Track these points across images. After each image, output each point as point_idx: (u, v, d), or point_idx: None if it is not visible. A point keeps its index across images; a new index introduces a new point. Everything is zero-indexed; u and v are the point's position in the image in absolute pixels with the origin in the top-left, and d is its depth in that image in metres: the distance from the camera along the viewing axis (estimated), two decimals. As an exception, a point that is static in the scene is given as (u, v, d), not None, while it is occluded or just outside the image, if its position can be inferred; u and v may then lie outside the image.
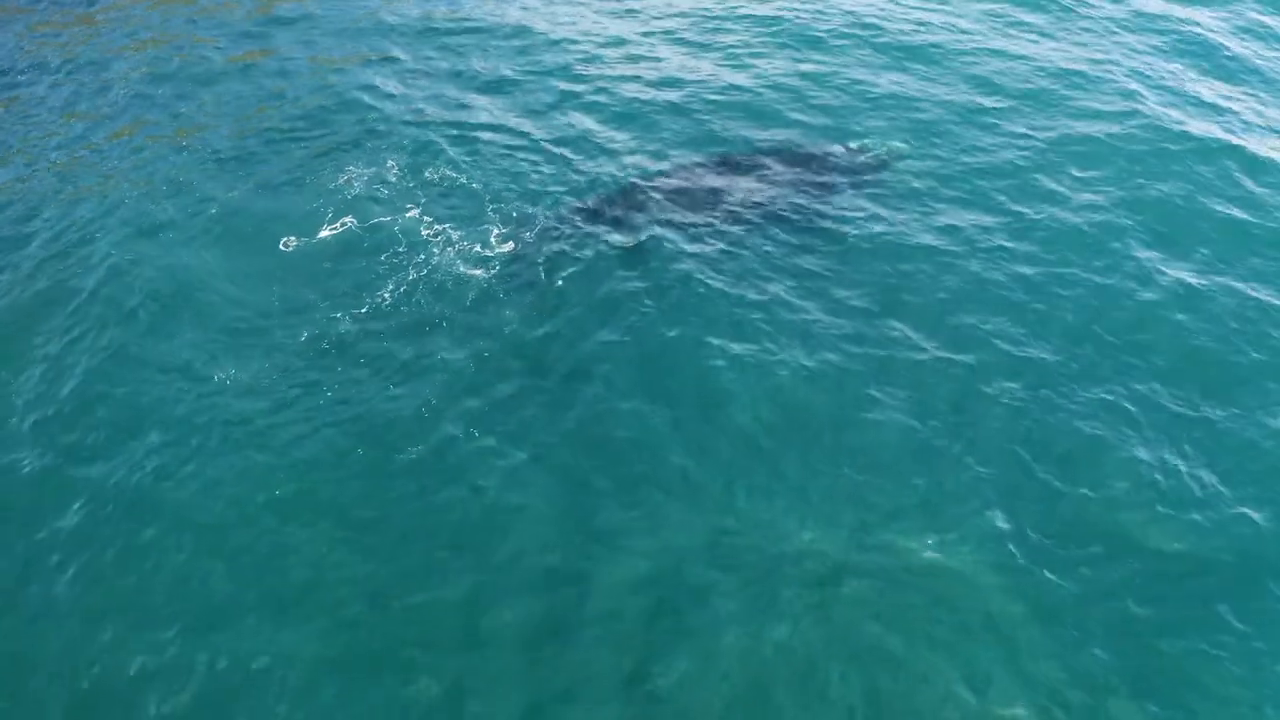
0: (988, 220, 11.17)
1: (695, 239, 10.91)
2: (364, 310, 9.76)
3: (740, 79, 13.87)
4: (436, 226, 10.74)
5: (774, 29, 15.21)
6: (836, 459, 8.35)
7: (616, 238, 10.84)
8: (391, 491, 8.05)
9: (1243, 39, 14.87)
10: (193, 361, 9.28)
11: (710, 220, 11.14)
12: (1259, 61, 14.26)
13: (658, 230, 10.95)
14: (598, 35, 14.68)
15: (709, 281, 10.12)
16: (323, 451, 8.40)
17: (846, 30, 15.02)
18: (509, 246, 10.55)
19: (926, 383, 9.10)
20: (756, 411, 8.70)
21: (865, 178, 11.89)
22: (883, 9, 15.73)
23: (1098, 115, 13.09)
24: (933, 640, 7.01)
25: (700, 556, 7.55)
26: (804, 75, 14.11)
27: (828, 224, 11.13)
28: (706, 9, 15.79)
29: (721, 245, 10.84)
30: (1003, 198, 11.51)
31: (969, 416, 8.78)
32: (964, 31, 15.24)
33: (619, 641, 7.00)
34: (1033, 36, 15.12)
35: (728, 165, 12.00)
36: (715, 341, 9.32)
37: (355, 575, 7.44)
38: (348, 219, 10.81)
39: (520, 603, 7.24)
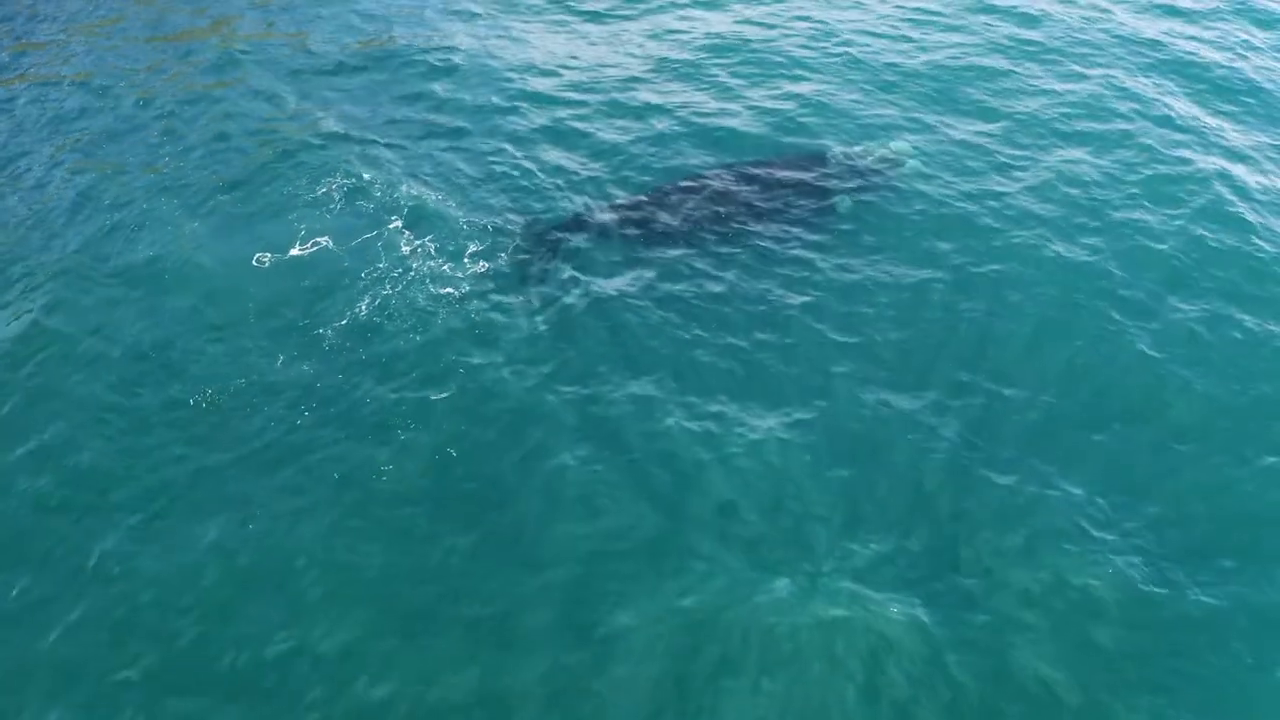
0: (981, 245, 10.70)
1: (679, 261, 10.47)
2: (333, 332, 9.31)
3: (722, 98, 13.32)
4: (411, 245, 10.23)
5: (756, 48, 14.68)
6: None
7: (595, 260, 10.45)
8: (360, 531, 7.66)
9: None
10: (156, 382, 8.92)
11: (698, 238, 10.71)
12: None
13: (637, 253, 10.55)
14: (577, 60, 14.06)
15: (689, 308, 9.77)
16: (296, 479, 8.03)
17: (836, 49, 14.50)
18: (482, 266, 10.07)
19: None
20: (730, 481, 8.17)
21: (868, 182, 11.50)
22: (873, 28, 15.28)
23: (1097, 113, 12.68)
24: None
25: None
26: (795, 89, 13.61)
27: (826, 239, 10.74)
28: (684, 29, 15.27)
29: (706, 268, 10.40)
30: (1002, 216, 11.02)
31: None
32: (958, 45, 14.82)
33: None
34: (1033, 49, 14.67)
35: (715, 181, 11.52)
36: (676, 400, 8.80)
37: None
38: (323, 238, 10.31)
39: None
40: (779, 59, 14.10)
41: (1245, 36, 14.62)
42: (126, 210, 11.10)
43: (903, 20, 15.09)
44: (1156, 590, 7.33)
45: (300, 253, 10.14)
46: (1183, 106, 12.88)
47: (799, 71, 13.79)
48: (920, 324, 9.62)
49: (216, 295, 9.86)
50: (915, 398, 8.85)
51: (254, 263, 10.11)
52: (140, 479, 8.07)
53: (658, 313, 9.70)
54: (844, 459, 8.27)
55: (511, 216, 10.93)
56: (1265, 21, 15.12)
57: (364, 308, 9.51)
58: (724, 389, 8.92)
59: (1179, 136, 12.24)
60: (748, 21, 15.14)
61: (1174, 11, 15.30)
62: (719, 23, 15.08)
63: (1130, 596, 7.27)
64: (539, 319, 9.60)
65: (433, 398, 8.69)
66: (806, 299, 9.88)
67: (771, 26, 14.97)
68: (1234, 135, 12.46)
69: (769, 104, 13.07)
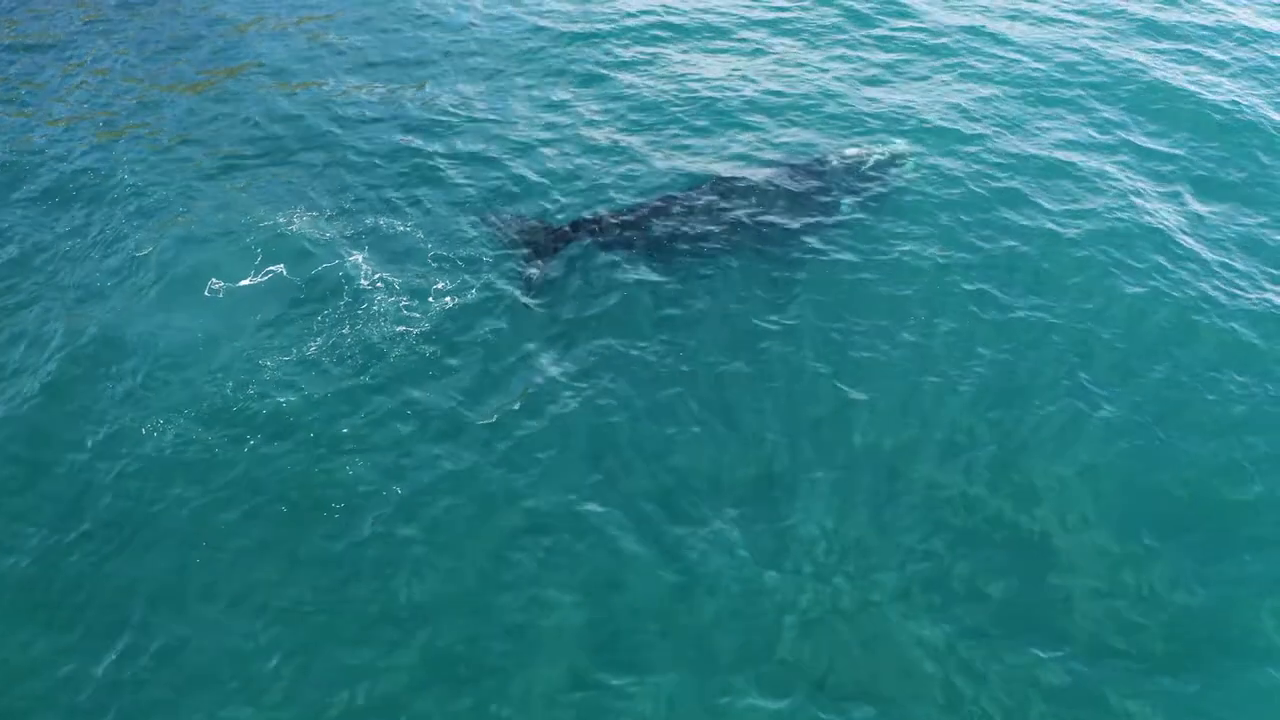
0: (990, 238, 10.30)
1: (663, 287, 9.92)
2: (286, 366, 8.77)
3: (713, 108, 12.56)
4: (374, 274, 9.63)
5: (749, 55, 13.85)
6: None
7: (572, 289, 9.86)
8: (305, 572, 7.34)
9: None
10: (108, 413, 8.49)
11: (685, 261, 10.17)
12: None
13: (627, 272, 9.99)
14: (556, 72, 13.19)
15: (679, 349, 9.18)
16: (234, 518, 7.70)
17: (832, 51, 13.73)
18: (446, 303, 9.44)
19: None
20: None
21: (867, 185, 11.07)
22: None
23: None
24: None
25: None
26: (786, 87, 12.95)
27: (823, 246, 10.30)
28: (657, 18, 14.37)
29: (706, 281, 9.92)
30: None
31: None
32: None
33: None
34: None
35: (711, 191, 10.95)
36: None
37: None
38: (279, 266, 9.72)
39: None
40: (771, 65, 13.46)
41: None
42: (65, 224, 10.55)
43: (895, 21, 14.44)
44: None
45: (253, 282, 9.59)
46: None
47: (794, 76, 13.20)
48: (929, 330, 9.36)
49: (166, 323, 9.34)
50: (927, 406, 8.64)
51: (206, 292, 9.57)
52: (83, 512, 7.73)
53: (647, 342, 9.24)
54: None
55: (484, 247, 10.25)
56: None
57: (315, 345, 8.98)
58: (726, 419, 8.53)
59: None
60: (739, 26, 14.38)
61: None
62: (708, 31, 14.25)
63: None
64: (507, 360, 8.97)
65: (379, 444, 8.20)
66: (809, 308, 9.55)
67: (763, 33, 14.30)
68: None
69: (763, 110, 12.50)
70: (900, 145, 11.67)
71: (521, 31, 14.19)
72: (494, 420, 8.42)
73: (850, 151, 11.56)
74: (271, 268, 9.71)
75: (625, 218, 10.54)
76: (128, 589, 7.24)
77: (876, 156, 11.43)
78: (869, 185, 11.12)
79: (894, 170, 11.33)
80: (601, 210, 10.73)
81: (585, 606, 7.16)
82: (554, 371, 8.90)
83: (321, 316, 9.26)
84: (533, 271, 9.92)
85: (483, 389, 8.71)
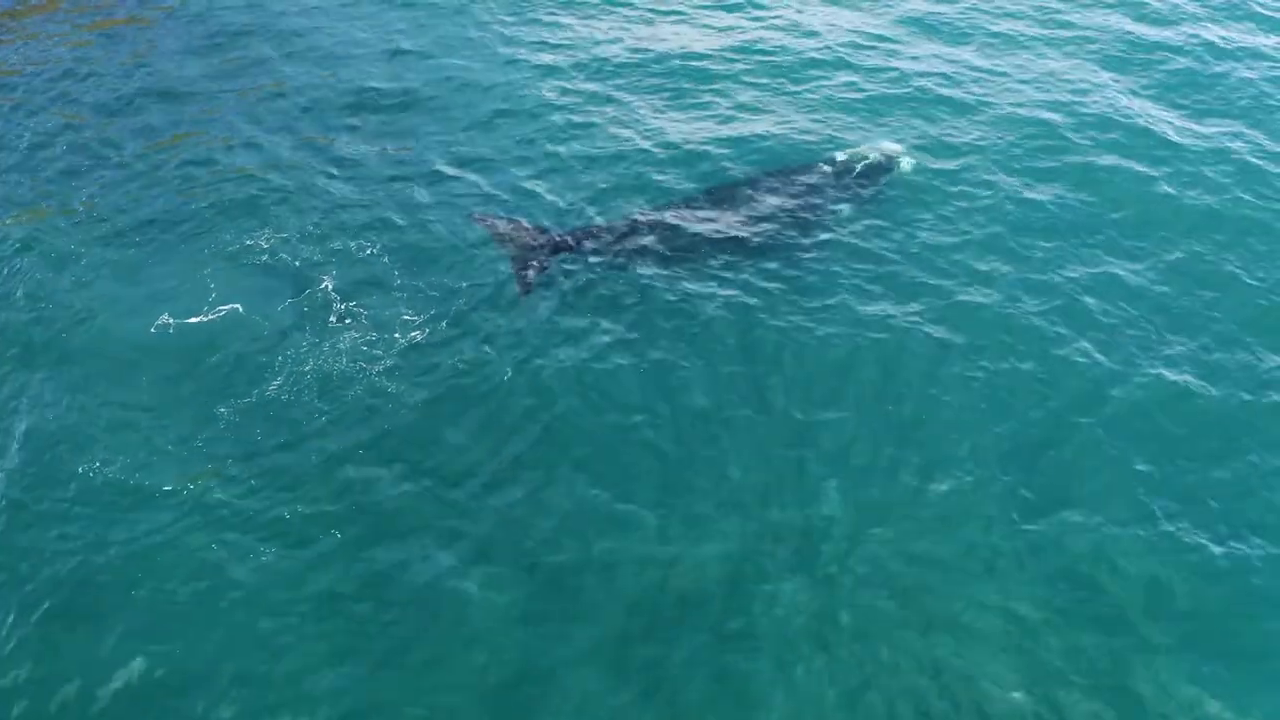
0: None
1: (657, 299, 9.35)
2: (240, 410, 8.04)
3: (701, 117, 11.94)
4: (338, 308, 8.87)
5: (735, 62, 13.22)
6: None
7: (565, 300, 9.25)
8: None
9: None
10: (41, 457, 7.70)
11: (678, 273, 9.59)
12: None
13: (611, 295, 9.35)
14: (530, 91, 12.36)
15: (676, 360, 8.55)
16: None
17: (819, 57, 13.18)
18: (417, 335, 8.69)
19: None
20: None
21: (862, 189, 10.67)
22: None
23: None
24: None
25: None
26: (780, 101, 12.36)
27: (821, 253, 9.87)
28: (653, 48, 13.70)
29: (702, 294, 9.33)
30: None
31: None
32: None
33: None
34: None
35: (704, 202, 10.41)
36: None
37: None
38: (235, 304, 8.93)
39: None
40: (760, 72, 12.88)
41: None
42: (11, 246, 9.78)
43: (883, 22, 13.93)
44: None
45: (205, 319, 8.77)
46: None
47: (783, 83, 12.65)
48: (931, 337, 8.88)
49: (107, 363, 8.55)
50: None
51: (153, 329, 8.75)
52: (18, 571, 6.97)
53: (645, 354, 8.66)
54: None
55: (463, 276, 9.50)
56: None
57: (275, 386, 8.18)
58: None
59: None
60: (722, 36, 13.76)
61: None
62: (688, 41, 13.58)
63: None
64: (489, 410, 8.18)
65: (339, 503, 7.43)
66: (805, 316, 9.09)
67: (748, 40, 13.65)
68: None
69: (752, 118, 11.96)
70: (893, 146, 11.26)
71: (499, 44, 13.48)
72: (479, 457, 7.74)
73: (842, 156, 11.13)
74: (227, 303, 8.90)
75: (618, 228, 10.06)
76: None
77: (870, 159, 11.05)
78: (864, 189, 10.74)
79: (888, 172, 10.95)
80: (594, 220, 10.19)
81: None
82: (549, 385, 8.36)
83: (284, 352, 8.47)
84: (529, 276, 9.41)
85: (468, 423, 8.05)
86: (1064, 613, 6.77)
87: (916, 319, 9.02)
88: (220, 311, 8.86)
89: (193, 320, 8.81)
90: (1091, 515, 7.34)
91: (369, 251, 9.60)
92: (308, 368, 8.30)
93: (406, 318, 8.82)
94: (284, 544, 7.11)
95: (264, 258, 9.51)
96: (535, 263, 9.59)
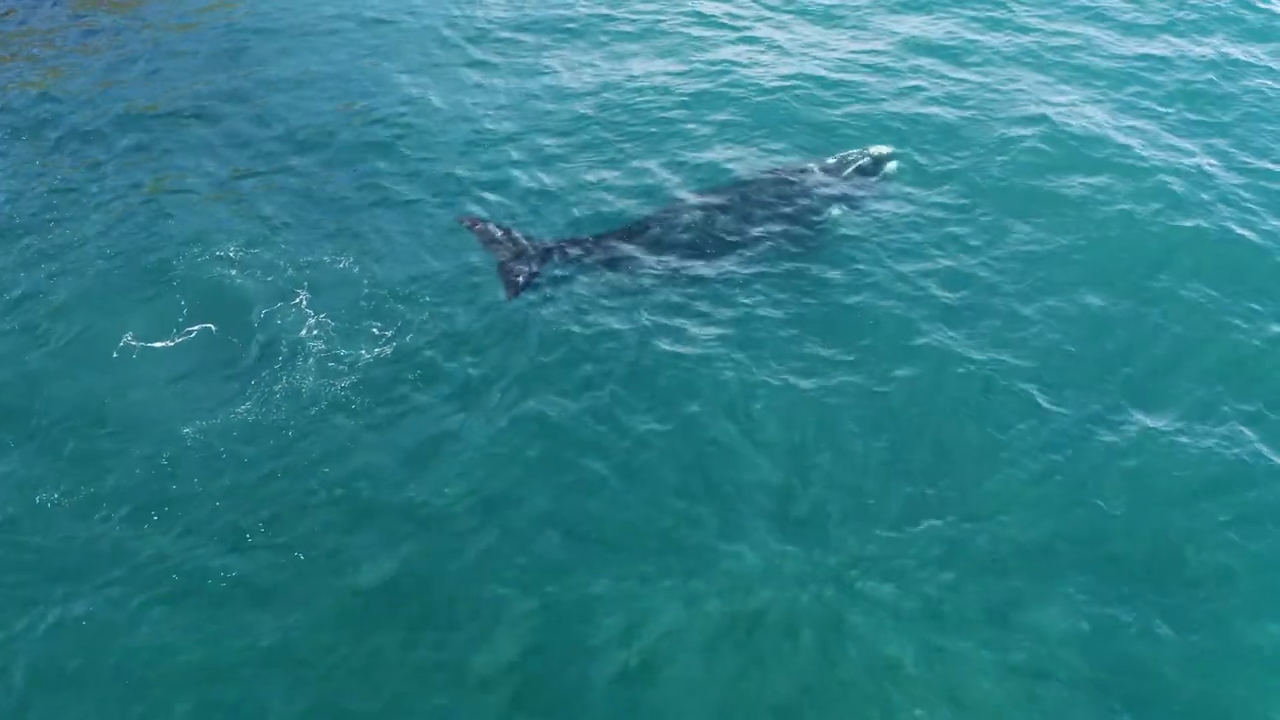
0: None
1: (646, 306, 9.09)
2: (206, 431, 7.74)
3: (683, 123, 11.64)
4: (312, 321, 8.57)
5: (715, 68, 12.97)
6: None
7: (551, 310, 8.95)
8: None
9: None
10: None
11: (667, 282, 9.32)
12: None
13: (598, 304, 9.06)
14: (522, 103, 12.08)
15: (664, 369, 8.26)
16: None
17: (803, 61, 12.96)
18: (386, 350, 8.38)
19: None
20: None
21: (852, 191, 10.45)
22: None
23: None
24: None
25: None
26: (763, 95, 12.13)
27: (810, 258, 9.63)
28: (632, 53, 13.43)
29: (687, 305, 9.03)
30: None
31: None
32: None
33: None
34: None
35: (689, 210, 10.11)
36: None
37: None
38: (208, 323, 8.64)
39: None
40: (744, 77, 12.60)
41: None
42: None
43: (866, 18, 13.76)
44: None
45: (172, 343, 8.46)
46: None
47: (768, 87, 12.36)
48: (924, 338, 8.67)
49: (68, 387, 8.23)
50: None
51: (115, 353, 8.44)
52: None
53: (633, 365, 8.39)
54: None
55: (442, 290, 9.18)
56: None
57: (246, 408, 7.87)
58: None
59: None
60: (705, 51, 13.46)
61: None
62: (670, 58, 13.27)
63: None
64: (469, 427, 7.84)
65: (307, 530, 7.10)
66: (796, 323, 8.85)
67: (731, 47, 13.42)
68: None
69: (736, 124, 11.69)
70: (882, 148, 11.01)
71: (482, 44, 13.27)
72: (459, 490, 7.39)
73: (832, 160, 10.91)
74: (198, 321, 8.59)
75: (607, 238, 9.79)
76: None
77: (859, 161, 10.82)
78: (854, 191, 10.51)
79: (878, 174, 10.72)
80: (582, 230, 9.93)
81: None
82: (536, 399, 8.08)
83: (256, 372, 8.16)
84: (518, 282, 9.15)
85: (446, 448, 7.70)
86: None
87: (909, 333, 8.76)
88: (191, 332, 8.56)
89: (157, 345, 8.50)
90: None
91: (342, 264, 9.31)
92: (278, 387, 7.99)
93: (380, 332, 8.52)
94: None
95: (235, 274, 9.21)
96: (525, 269, 9.33)
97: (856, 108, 11.88)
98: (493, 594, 6.64)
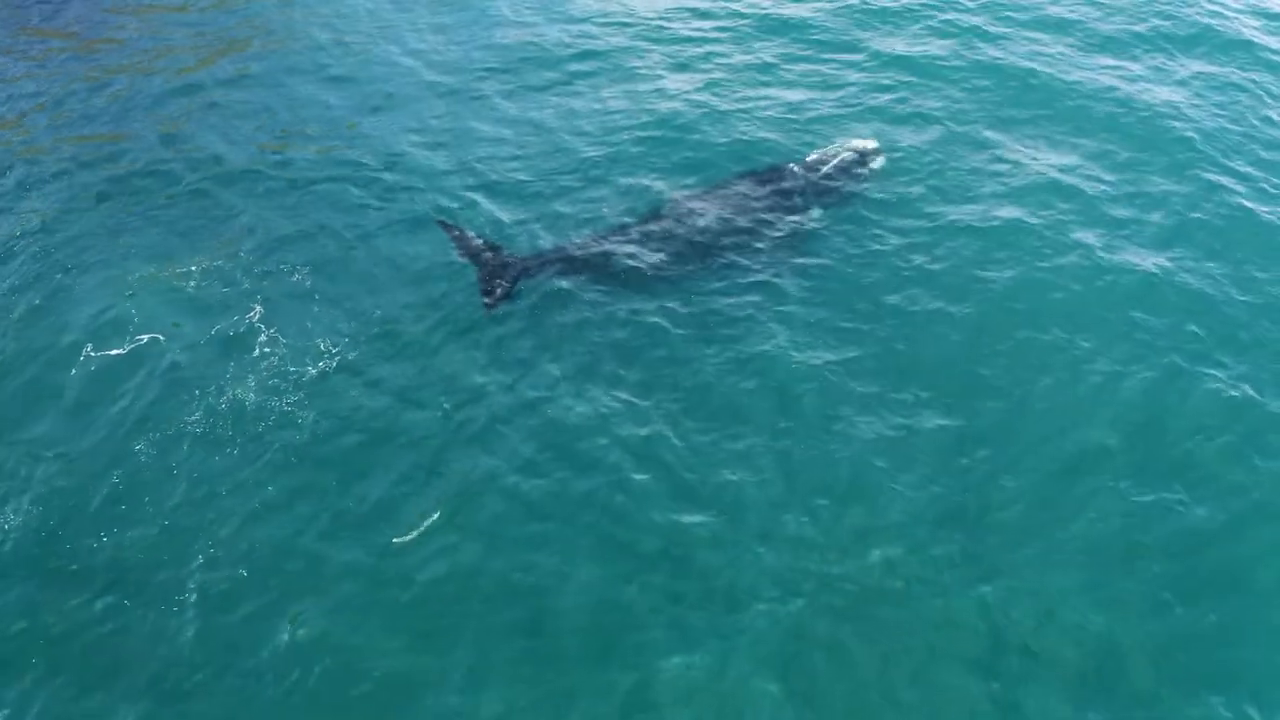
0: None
1: (624, 316, 8.75)
2: (155, 444, 7.51)
3: (662, 123, 11.24)
4: (262, 344, 8.26)
5: (690, 63, 12.57)
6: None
7: (529, 321, 8.63)
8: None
9: None
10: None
11: (648, 290, 8.98)
12: None
13: (577, 314, 8.73)
14: (486, 96, 11.74)
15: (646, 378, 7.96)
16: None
17: (784, 52, 12.55)
18: (331, 364, 8.09)
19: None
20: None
21: (835, 188, 10.05)
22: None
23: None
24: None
25: None
26: (739, 96, 11.72)
27: (793, 259, 9.29)
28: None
29: (669, 312, 8.67)
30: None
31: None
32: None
33: None
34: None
35: (670, 214, 9.74)
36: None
37: None
38: (157, 333, 8.40)
39: None
40: (721, 72, 12.25)
41: None
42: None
43: (846, 13, 13.29)
44: None
45: (123, 351, 8.25)
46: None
47: (748, 81, 12.02)
48: (906, 333, 8.50)
49: (25, 393, 8.05)
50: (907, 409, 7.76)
51: (71, 362, 8.24)
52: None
53: (613, 376, 8.07)
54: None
55: (411, 301, 8.86)
56: None
57: (195, 418, 7.63)
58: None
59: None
60: (680, 39, 13.11)
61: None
62: (645, 49, 12.93)
63: None
64: (424, 449, 7.51)
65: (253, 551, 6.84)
66: (781, 324, 8.56)
67: (705, 44, 13.02)
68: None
69: (717, 120, 11.30)
70: (866, 142, 10.61)
71: (445, 59, 12.90)
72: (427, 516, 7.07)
73: (813, 155, 10.50)
74: (147, 332, 8.37)
75: (582, 245, 9.40)
76: None
77: (842, 156, 10.38)
78: (837, 188, 10.11)
79: (862, 168, 10.31)
80: (558, 237, 9.56)
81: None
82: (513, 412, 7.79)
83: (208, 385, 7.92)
84: (496, 293, 8.83)
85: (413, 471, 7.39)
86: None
87: (887, 336, 8.45)
88: (141, 340, 8.33)
89: (113, 353, 8.29)
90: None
91: (297, 277, 9.01)
92: (223, 401, 7.74)
93: (340, 344, 8.23)
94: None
95: (191, 284, 8.98)
96: (502, 281, 8.98)
97: (839, 98, 11.52)
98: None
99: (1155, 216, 9.61)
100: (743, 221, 9.65)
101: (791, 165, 10.34)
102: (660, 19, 13.47)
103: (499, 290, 8.87)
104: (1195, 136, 10.57)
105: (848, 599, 6.48)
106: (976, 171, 10.24)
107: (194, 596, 6.52)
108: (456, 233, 9.44)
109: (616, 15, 13.54)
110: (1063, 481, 7.24)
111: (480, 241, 9.37)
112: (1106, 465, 7.33)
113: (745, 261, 9.22)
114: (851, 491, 7.17)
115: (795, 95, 11.67)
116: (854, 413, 7.75)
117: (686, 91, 11.84)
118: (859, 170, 10.23)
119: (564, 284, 9.00)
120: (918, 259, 9.22)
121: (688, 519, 6.93)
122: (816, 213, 9.84)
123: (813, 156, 10.43)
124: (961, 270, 9.10)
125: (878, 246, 9.40)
